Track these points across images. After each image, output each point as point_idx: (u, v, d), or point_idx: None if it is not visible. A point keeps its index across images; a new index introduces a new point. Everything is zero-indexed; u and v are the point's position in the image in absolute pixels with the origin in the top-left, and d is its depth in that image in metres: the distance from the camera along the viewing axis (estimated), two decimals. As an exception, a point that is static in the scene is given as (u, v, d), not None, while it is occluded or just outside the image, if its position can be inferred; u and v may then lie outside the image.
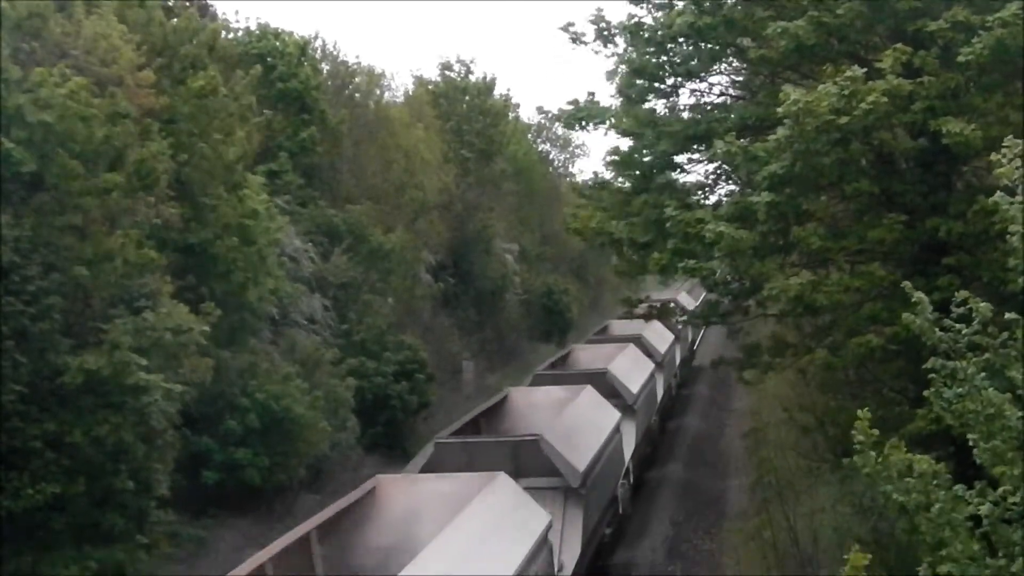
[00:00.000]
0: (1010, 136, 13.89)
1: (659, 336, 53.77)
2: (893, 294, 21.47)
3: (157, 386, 26.78)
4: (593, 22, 26.01)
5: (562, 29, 26.50)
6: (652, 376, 45.43)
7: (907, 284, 14.07)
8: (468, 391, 57.21)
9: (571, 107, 26.26)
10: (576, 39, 26.34)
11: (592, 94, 26.34)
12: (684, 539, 35.60)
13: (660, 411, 48.84)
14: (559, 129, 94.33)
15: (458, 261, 65.19)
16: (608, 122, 25.92)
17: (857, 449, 12.92)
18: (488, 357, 65.44)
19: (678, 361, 60.27)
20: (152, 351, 27.17)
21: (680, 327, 56.98)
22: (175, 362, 28.44)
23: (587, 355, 45.84)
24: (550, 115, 27.05)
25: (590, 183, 27.58)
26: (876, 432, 12.88)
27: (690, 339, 70.50)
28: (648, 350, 49.18)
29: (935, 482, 12.60)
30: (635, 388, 39.48)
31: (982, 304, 13.15)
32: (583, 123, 26.24)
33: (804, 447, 32.02)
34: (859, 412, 13.09)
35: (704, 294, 75.58)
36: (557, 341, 76.08)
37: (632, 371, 41.79)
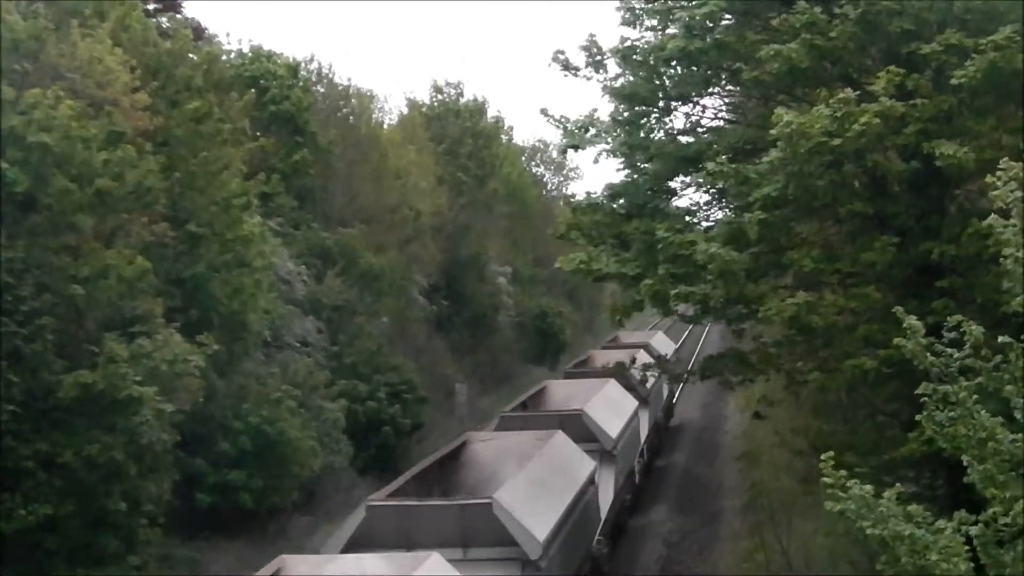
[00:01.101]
0: (1005, 158, 13.94)
1: (612, 406, 38.06)
2: (887, 316, 21.46)
3: (149, 399, 26.72)
4: (585, 48, 26.00)
5: (554, 59, 26.49)
6: (590, 482, 29.60)
7: (899, 309, 14.11)
8: (461, 413, 57.14)
9: (570, 126, 26.22)
10: (567, 67, 26.33)
11: (595, 110, 26.32)
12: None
13: (607, 528, 32.08)
14: (553, 152, 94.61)
15: (451, 283, 65.18)
16: (601, 144, 25.85)
17: (827, 494, 12.95)
18: (481, 380, 65.37)
19: (644, 435, 43.54)
20: (148, 379, 27.13)
21: (650, 384, 43.51)
22: (170, 386, 28.43)
23: (484, 454, 29.17)
24: (551, 120, 26.88)
25: (583, 202, 27.35)
26: (843, 474, 12.91)
27: (665, 395, 54.28)
28: (591, 432, 33.17)
29: (907, 515, 12.61)
30: (544, 528, 23.66)
31: (974, 327, 13.19)
32: (577, 147, 26.22)
33: (797, 469, 31.98)
34: (822, 457, 13.13)
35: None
36: (550, 364, 76.05)
37: (549, 490, 26.36)
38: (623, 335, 58.27)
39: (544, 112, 26.90)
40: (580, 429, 32.45)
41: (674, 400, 59.59)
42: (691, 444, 54.47)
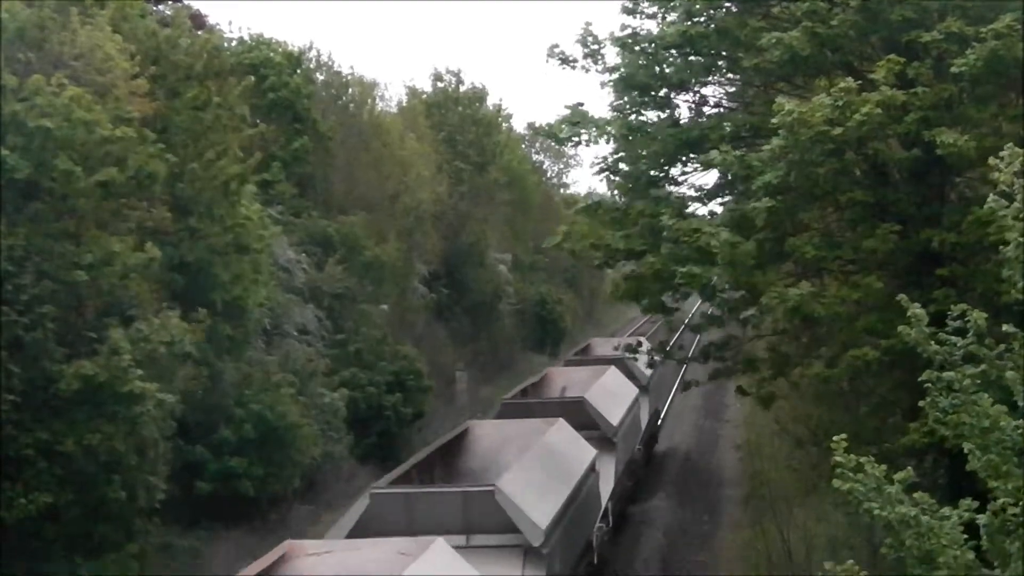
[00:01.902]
0: (1010, 144, 13.94)
1: (555, 467, 26.64)
2: (888, 306, 21.46)
3: (151, 395, 26.76)
4: (580, 41, 25.92)
5: (550, 54, 26.38)
6: None
7: (903, 297, 14.13)
8: (462, 401, 57.18)
9: (561, 122, 26.16)
10: (565, 61, 26.24)
11: (580, 104, 26.22)
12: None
13: None
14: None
15: (451, 271, 65.14)
16: (597, 133, 25.75)
17: (837, 473, 12.97)
18: (481, 367, 65.34)
19: (608, 493, 30.63)
20: (147, 363, 27.14)
21: (619, 417, 34.61)
22: (169, 373, 28.44)
23: None
24: (541, 128, 26.91)
25: (584, 200, 27.29)
26: (853, 457, 12.93)
27: (646, 420, 41.85)
28: (508, 522, 21.31)
29: (913, 503, 12.64)
30: None
31: (977, 314, 13.21)
32: (573, 139, 26.15)
33: (798, 459, 31.99)
34: (834, 438, 13.15)
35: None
36: (551, 351, 76.03)
37: None
38: (597, 343, 50.53)
39: (532, 127, 27.00)
40: (493, 515, 21.58)
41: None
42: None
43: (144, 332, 27.36)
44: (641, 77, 25.35)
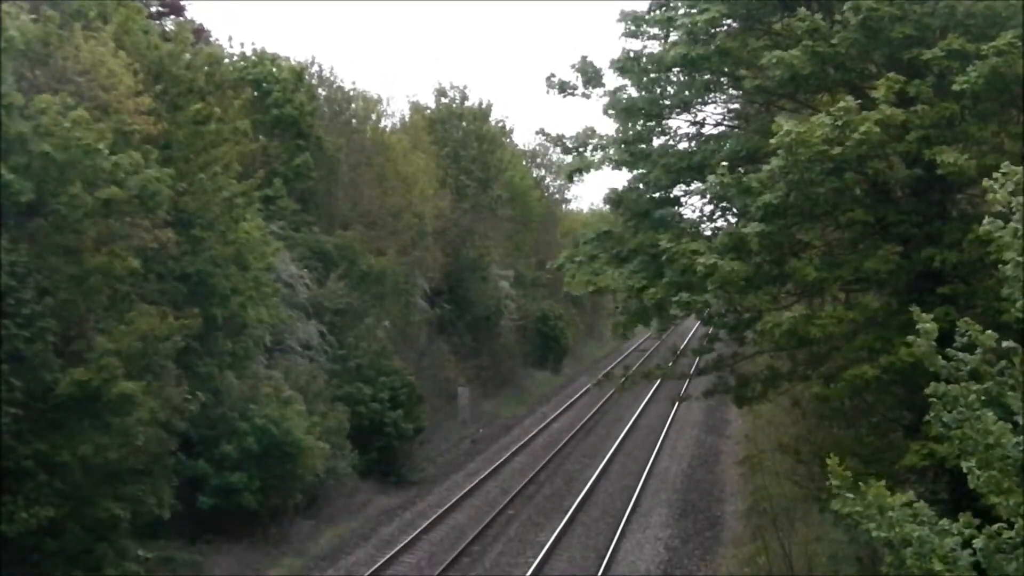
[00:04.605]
0: (1006, 163, 13.98)
1: None
2: (886, 323, 21.54)
3: (141, 400, 26.76)
4: (579, 70, 26.02)
5: (548, 84, 26.49)
6: None
7: (916, 309, 14.15)
8: (463, 417, 57.16)
9: (568, 158, 26.36)
10: (563, 89, 26.36)
11: (591, 128, 26.36)
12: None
13: None
14: (554, 155, 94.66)
15: (454, 287, 65.09)
16: (601, 158, 25.85)
17: (834, 493, 13.00)
18: (483, 383, 65.34)
19: None
20: (135, 358, 27.20)
21: None
22: (158, 368, 28.55)
23: None
24: (548, 141, 27.04)
25: (591, 235, 27.30)
26: (849, 475, 12.96)
27: None
28: None
29: (913, 514, 12.67)
30: None
31: (985, 332, 13.23)
32: (581, 173, 26.34)
33: (800, 474, 32.01)
34: (828, 458, 13.18)
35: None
36: (552, 367, 75.96)
37: None
38: None
39: (543, 131, 27.05)
40: None
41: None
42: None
43: (128, 329, 27.37)
44: (641, 103, 25.46)
